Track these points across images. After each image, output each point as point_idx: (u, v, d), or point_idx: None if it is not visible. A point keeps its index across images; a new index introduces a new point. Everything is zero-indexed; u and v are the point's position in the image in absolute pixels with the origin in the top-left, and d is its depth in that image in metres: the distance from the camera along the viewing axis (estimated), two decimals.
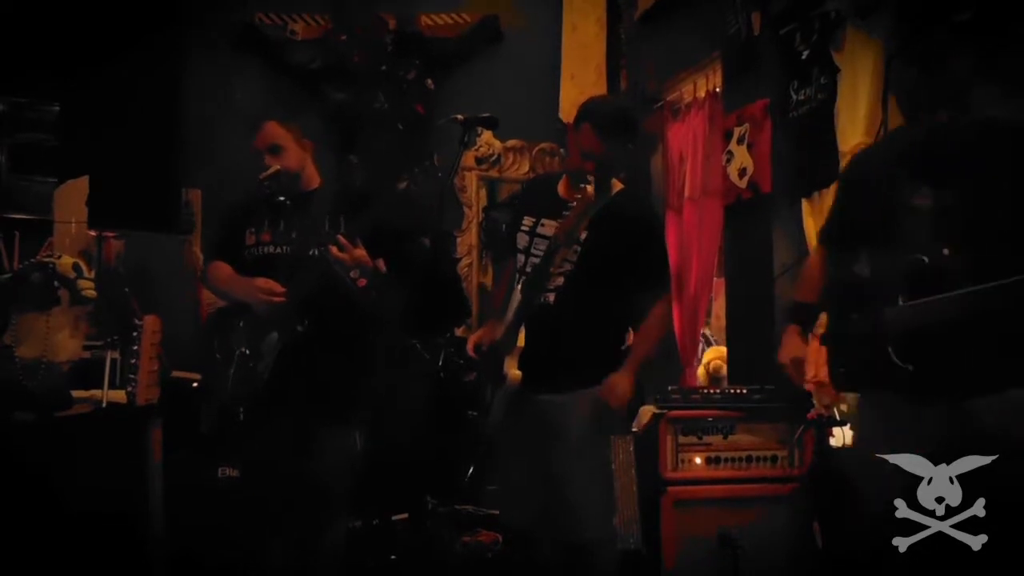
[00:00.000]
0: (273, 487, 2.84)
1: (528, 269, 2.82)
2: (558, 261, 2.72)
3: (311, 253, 2.83)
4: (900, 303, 2.21)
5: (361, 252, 2.75)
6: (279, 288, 2.82)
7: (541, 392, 2.76)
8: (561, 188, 2.91)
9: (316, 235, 2.83)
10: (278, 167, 2.90)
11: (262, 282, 2.85)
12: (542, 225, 2.84)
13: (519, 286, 2.78)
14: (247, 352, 2.84)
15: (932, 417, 2.19)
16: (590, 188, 2.57)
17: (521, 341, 2.81)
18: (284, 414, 2.83)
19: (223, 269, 3.00)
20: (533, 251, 2.82)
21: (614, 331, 2.90)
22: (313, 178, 3.03)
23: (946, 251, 2.18)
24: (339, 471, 2.89)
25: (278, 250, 2.93)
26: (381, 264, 2.79)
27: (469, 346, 2.94)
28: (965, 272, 2.12)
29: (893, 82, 2.36)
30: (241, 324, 2.90)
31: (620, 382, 2.77)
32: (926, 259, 2.19)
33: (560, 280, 2.76)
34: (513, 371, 2.75)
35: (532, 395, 2.77)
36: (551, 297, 2.75)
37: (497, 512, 4.26)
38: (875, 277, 2.40)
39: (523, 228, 2.89)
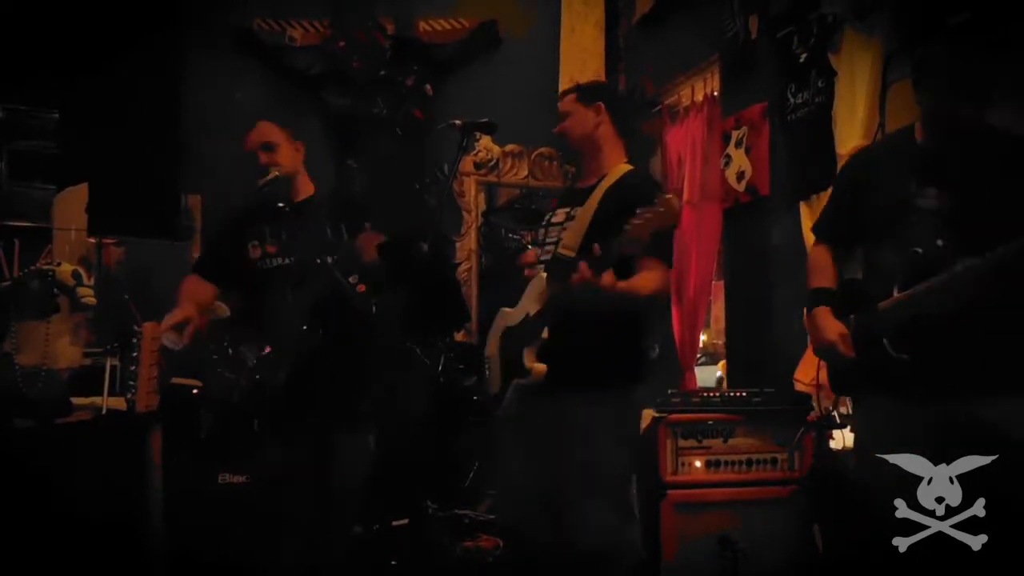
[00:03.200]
0: (290, 496, 2.84)
1: (544, 257, 2.79)
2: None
3: (318, 261, 2.82)
4: (895, 294, 2.24)
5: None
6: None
7: (562, 389, 2.64)
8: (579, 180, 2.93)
9: (320, 243, 2.82)
10: (277, 172, 2.91)
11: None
12: (555, 214, 2.86)
13: (544, 275, 2.69)
14: (255, 362, 2.83)
15: (930, 419, 2.19)
16: (606, 180, 2.55)
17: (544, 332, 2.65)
18: (301, 420, 2.83)
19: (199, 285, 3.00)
20: (547, 241, 2.83)
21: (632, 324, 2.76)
22: (307, 185, 3.04)
23: (940, 242, 2.20)
24: (355, 474, 2.90)
25: (285, 261, 2.94)
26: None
27: None
28: (959, 261, 2.15)
29: (921, 78, 2.35)
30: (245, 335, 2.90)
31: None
32: (920, 250, 2.22)
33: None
34: (536, 364, 2.62)
35: (551, 392, 2.65)
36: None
37: (497, 516, 4.26)
38: (871, 274, 2.43)
39: (542, 223, 2.93)
